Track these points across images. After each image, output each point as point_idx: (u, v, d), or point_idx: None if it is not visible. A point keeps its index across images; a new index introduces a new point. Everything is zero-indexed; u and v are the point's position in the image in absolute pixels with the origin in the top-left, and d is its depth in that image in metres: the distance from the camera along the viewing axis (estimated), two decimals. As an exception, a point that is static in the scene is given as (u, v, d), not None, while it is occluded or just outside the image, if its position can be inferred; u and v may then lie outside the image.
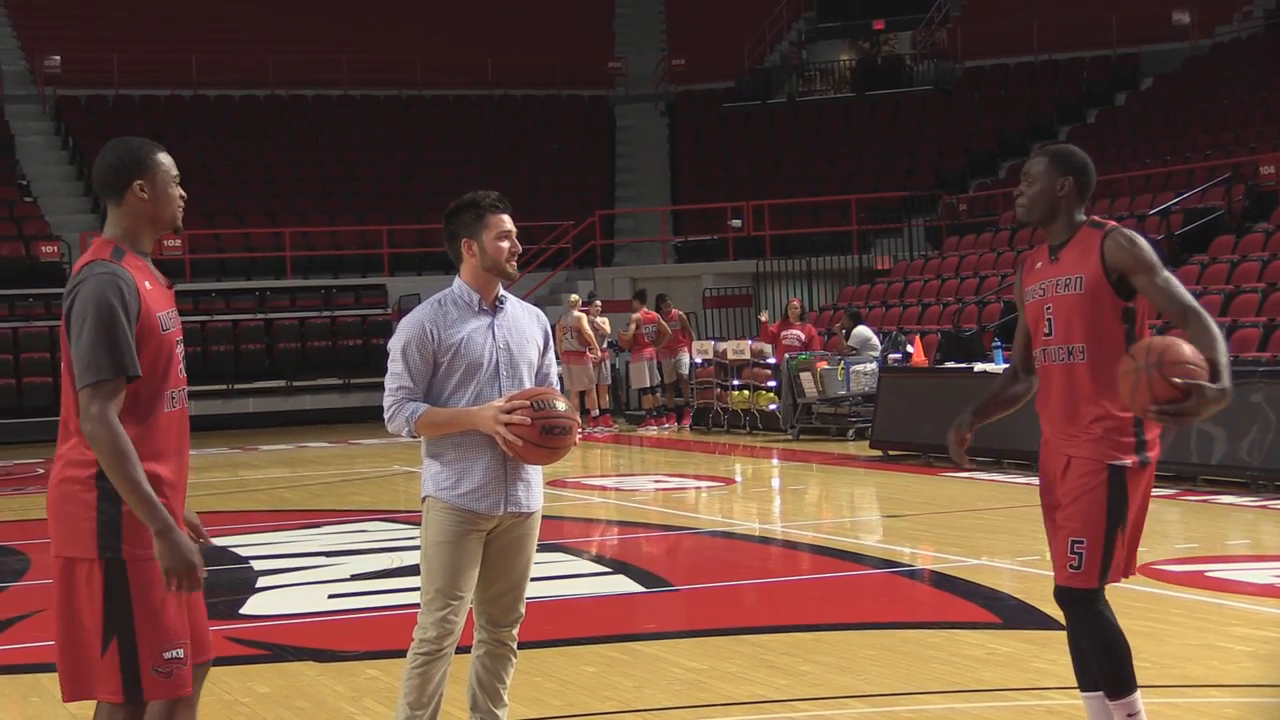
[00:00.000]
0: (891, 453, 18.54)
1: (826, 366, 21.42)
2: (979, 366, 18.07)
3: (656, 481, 17.64)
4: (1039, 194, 5.73)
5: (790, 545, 13.01)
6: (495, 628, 5.93)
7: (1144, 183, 26.54)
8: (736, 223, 31.06)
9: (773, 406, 22.59)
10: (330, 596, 10.68)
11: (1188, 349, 5.28)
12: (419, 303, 6.07)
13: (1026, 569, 10.55)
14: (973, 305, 23.98)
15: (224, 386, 28.15)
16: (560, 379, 6.34)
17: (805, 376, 21.60)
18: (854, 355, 21.65)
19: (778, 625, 9.43)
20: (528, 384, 5.86)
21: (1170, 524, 12.70)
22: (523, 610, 5.98)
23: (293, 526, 14.47)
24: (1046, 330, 5.71)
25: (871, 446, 19.11)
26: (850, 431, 20.90)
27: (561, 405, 5.72)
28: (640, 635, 9.24)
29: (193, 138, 33.70)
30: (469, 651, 6.00)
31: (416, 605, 5.90)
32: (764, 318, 25.65)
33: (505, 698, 5.98)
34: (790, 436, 21.66)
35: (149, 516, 4.59)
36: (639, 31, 41.54)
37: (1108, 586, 5.64)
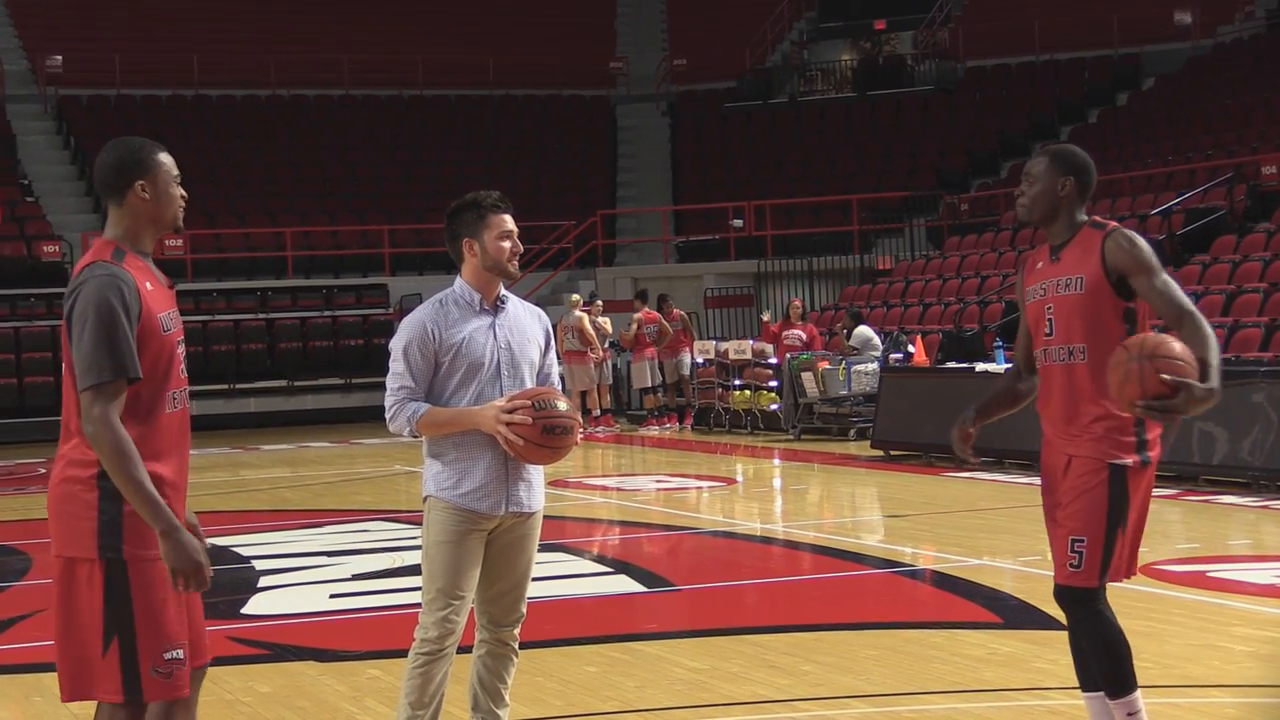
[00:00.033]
0: (893, 453, 18.54)
1: (828, 366, 21.41)
2: (980, 366, 18.07)
3: (658, 481, 17.64)
4: (1040, 194, 5.73)
5: (792, 545, 13.01)
6: (497, 627, 5.93)
7: (1146, 183, 26.54)
8: (738, 223, 31.06)
9: (774, 406, 22.59)
10: (332, 596, 10.69)
11: (1179, 346, 5.28)
12: (420, 302, 6.07)
13: (1028, 569, 10.55)
14: (974, 305, 23.98)
15: (225, 386, 28.15)
16: (562, 379, 6.33)
17: (807, 376, 21.60)
18: (855, 355, 21.65)
19: (779, 625, 9.44)
20: (529, 384, 5.86)
21: (1172, 524, 12.69)
22: (524, 610, 5.98)
23: (294, 526, 14.47)
24: (1047, 330, 5.71)
25: (873, 446, 19.10)
26: (851, 431, 20.90)
27: (563, 405, 5.72)
28: (642, 635, 9.24)
29: (194, 137, 33.70)
30: (470, 651, 6.00)
31: (418, 605, 5.90)
32: (766, 318, 25.65)
33: (507, 698, 5.98)
34: (791, 436, 21.66)
35: (153, 517, 4.59)
36: (640, 31, 41.54)
37: (1109, 586, 5.64)
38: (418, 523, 6.12)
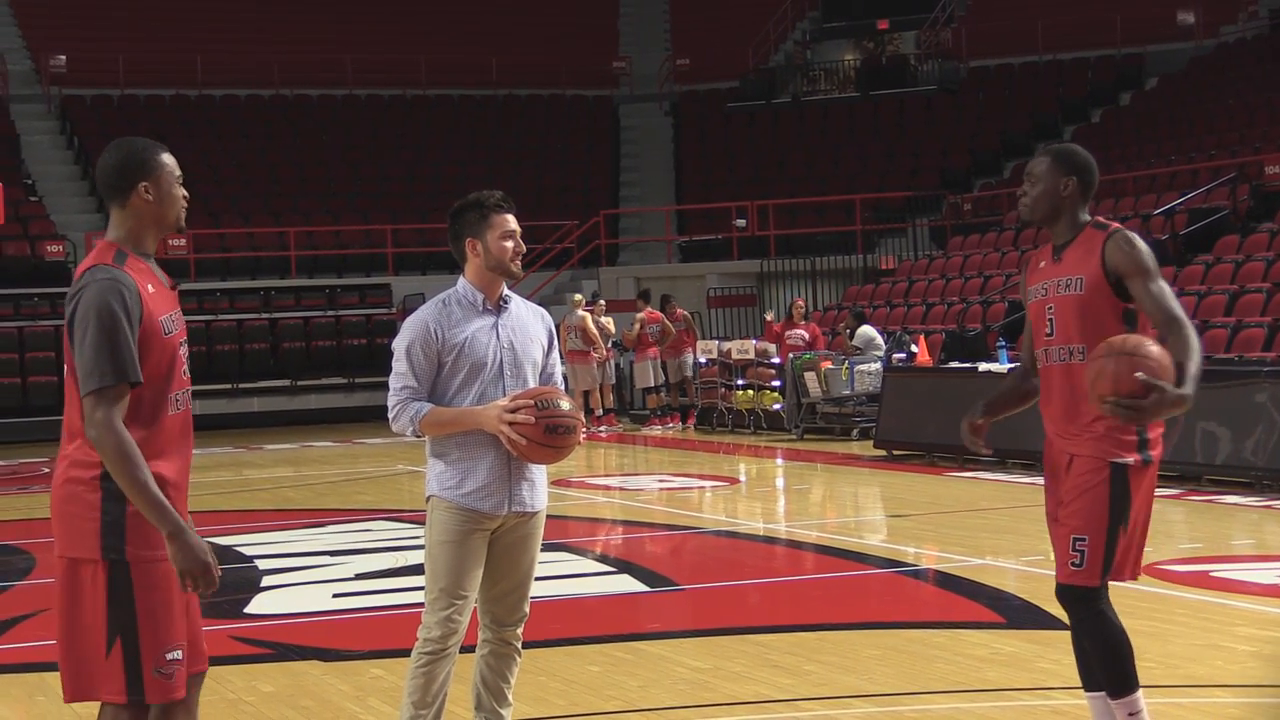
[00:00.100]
0: (896, 452, 18.54)
1: (831, 366, 21.42)
2: (983, 366, 18.07)
3: (661, 481, 17.64)
4: (1042, 194, 5.73)
5: (794, 545, 13.02)
6: (500, 627, 5.93)
7: (1149, 182, 26.54)
8: (741, 222, 31.06)
9: (777, 406, 22.59)
10: (335, 596, 10.69)
11: (1156, 349, 5.28)
12: (423, 302, 6.07)
13: (1031, 569, 10.55)
14: (977, 305, 23.97)
15: (228, 386, 28.18)
16: (565, 378, 6.33)
17: (809, 376, 21.60)
18: (858, 355, 21.66)
19: (782, 625, 9.44)
20: (532, 384, 5.87)
21: (1175, 524, 12.69)
22: (527, 610, 5.98)
23: (297, 526, 14.48)
24: (1048, 330, 5.71)
25: (875, 446, 19.11)
26: (854, 431, 20.90)
27: (566, 404, 5.72)
28: (644, 635, 9.24)
29: (197, 137, 33.73)
30: (473, 651, 6.01)
31: (421, 605, 5.90)
32: (769, 317, 25.65)
33: (510, 697, 5.98)
34: (794, 436, 21.66)
35: (159, 519, 4.59)
36: (643, 31, 41.54)
37: (1112, 586, 5.64)
38: (421, 522, 6.13)
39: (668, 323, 24.35)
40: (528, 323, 5.95)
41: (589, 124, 38.21)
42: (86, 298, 4.66)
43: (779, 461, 19.80)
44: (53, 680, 7.56)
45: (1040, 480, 6.01)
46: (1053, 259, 5.76)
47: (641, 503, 15.86)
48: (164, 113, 35.00)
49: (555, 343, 6.08)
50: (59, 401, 4.88)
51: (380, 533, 13.84)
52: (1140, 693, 5.62)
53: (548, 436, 5.65)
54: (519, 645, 5.99)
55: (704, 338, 25.82)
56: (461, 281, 5.92)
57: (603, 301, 25.77)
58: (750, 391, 23.06)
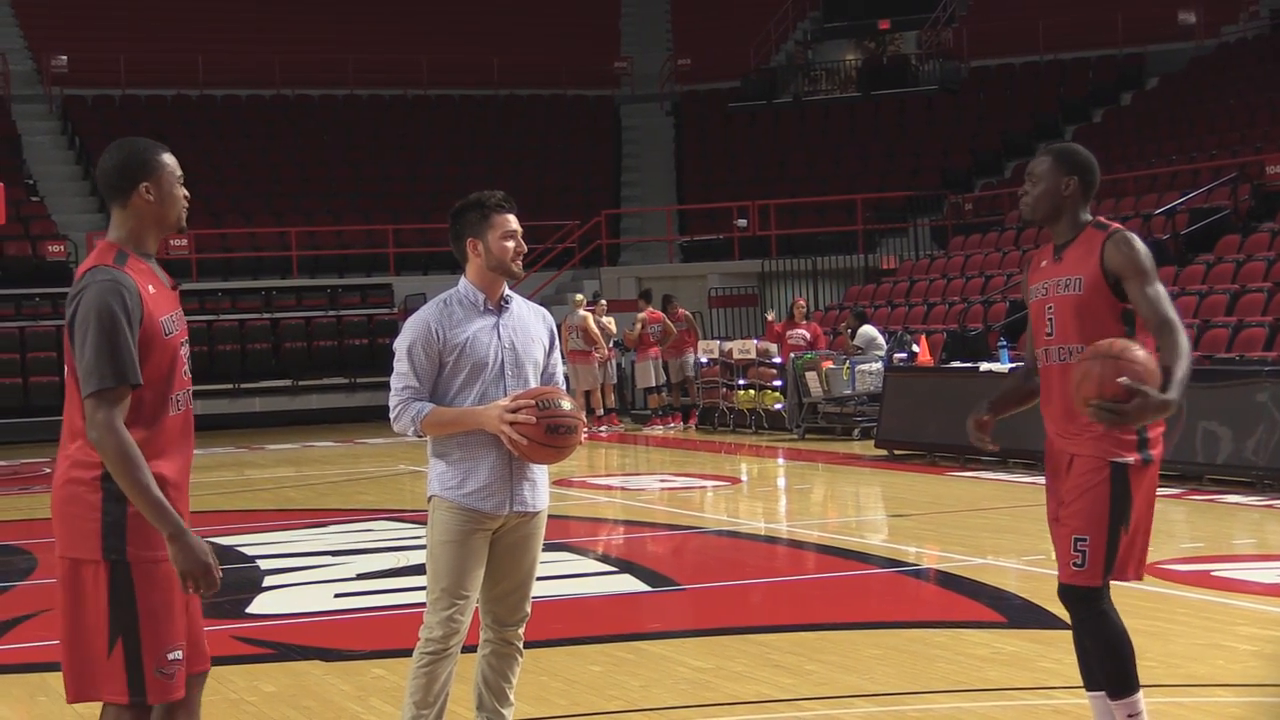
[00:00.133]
0: (897, 452, 18.55)
1: (832, 366, 21.42)
2: (984, 366, 18.07)
3: (662, 481, 17.64)
4: (1043, 193, 5.72)
5: (796, 545, 13.02)
6: (501, 627, 5.94)
7: (1150, 182, 26.54)
8: (742, 222, 31.06)
9: (778, 406, 22.60)
10: (336, 596, 10.70)
11: (1142, 353, 5.28)
12: (425, 302, 6.07)
13: (1032, 568, 10.55)
14: (978, 305, 23.97)
15: (230, 386, 28.19)
16: (566, 378, 6.33)
17: (810, 376, 21.61)
18: (859, 355, 21.66)
19: (783, 625, 9.44)
20: (533, 384, 5.87)
21: (1176, 523, 12.69)
22: (528, 609, 5.98)
23: (299, 526, 14.48)
24: (1048, 330, 5.71)
25: (877, 446, 19.11)
26: (855, 431, 20.90)
27: (567, 404, 5.72)
28: (646, 634, 9.25)
29: (199, 138, 33.74)
30: (475, 651, 6.01)
31: (422, 605, 5.90)
32: (770, 317, 25.66)
33: (511, 697, 5.98)
34: (795, 436, 21.66)
35: (159, 520, 4.59)
36: (644, 31, 41.54)
37: (1113, 585, 5.64)
38: (422, 522, 6.13)
39: (669, 322, 24.36)
40: (529, 323, 5.96)
41: (590, 124, 38.21)
42: (87, 299, 4.67)
43: (780, 461, 19.80)
44: (54, 680, 7.57)
45: (1041, 480, 6.01)
46: (1053, 258, 5.76)
47: (643, 502, 15.86)
48: (165, 113, 35.01)
49: (557, 343, 6.08)
50: (60, 402, 4.87)
51: (382, 533, 13.84)
52: (1140, 694, 5.62)
53: (549, 436, 5.65)
54: (521, 645, 5.99)
55: (705, 337, 25.82)
56: (463, 281, 5.93)
57: (604, 301, 25.77)
58: (751, 391, 23.07)
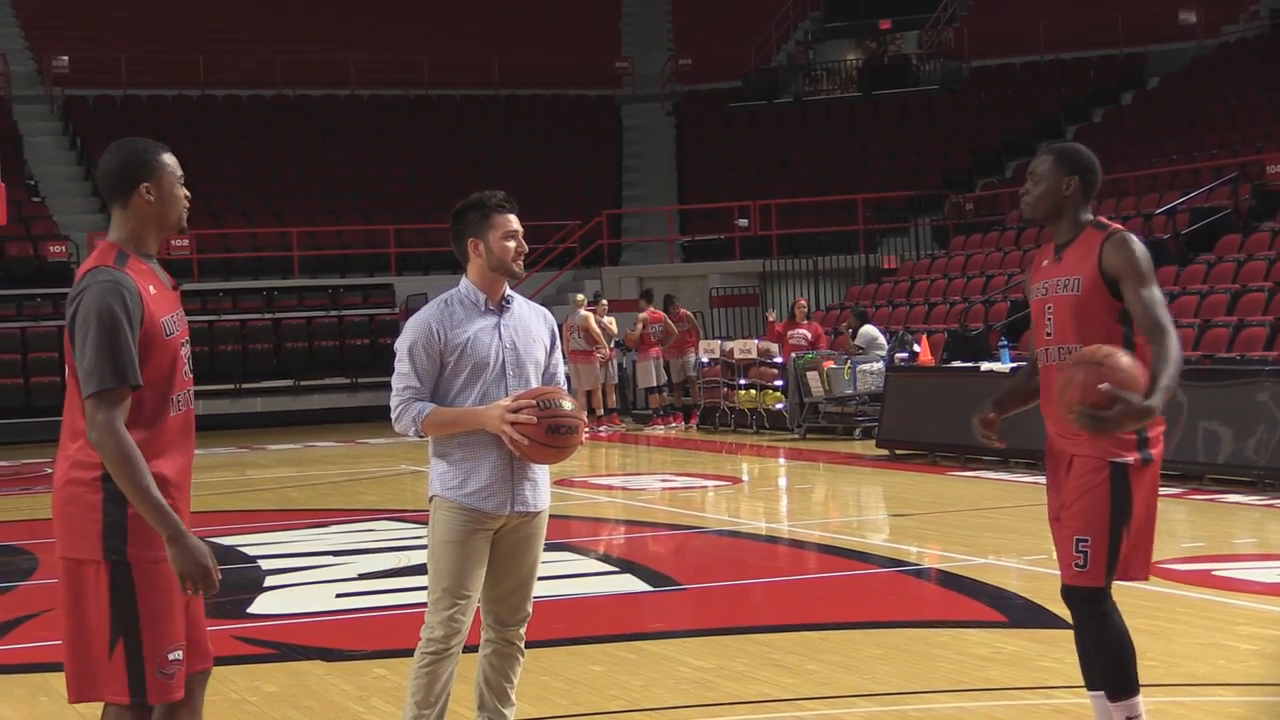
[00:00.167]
0: (898, 452, 18.55)
1: (833, 366, 21.43)
2: (985, 366, 18.07)
3: (663, 481, 17.65)
4: (1044, 193, 5.72)
5: (797, 544, 13.02)
6: (503, 627, 5.94)
7: (1150, 182, 26.54)
8: (743, 222, 31.06)
9: (779, 406, 22.60)
10: (338, 596, 10.70)
11: (1126, 360, 5.28)
12: (426, 302, 6.08)
13: (1033, 568, 10.56)
14: (979, 305, 23.97)
15: (231, 386, 28.19)
16: (567, 378, 6.33)
17: (812, 376, 21.61)
18: (860, 354, 21.66)
19: (784, 624, 9.44)
20: (534, 384, 5.87)
21: (1177, 523, 12.69)
22: (530, 609, 5.99)
23: (300, 526, 14.48)
24: (1048, 330, 5.71)
25: (878, 446, 19.11)
26: (857, 431, 20.91)
27: (568, 404, 5.72)
28: (647, 634, 9.25)
29: (200, 138, 33.75)
30: (476, 650, 6.02)
31: (424, 605, 5.90)
32: (771, 317, 25.66)
33: (513, 697, 5.99)
34: (797, 436, 21.66)
35: (159, 522, 4.60)
36: (645, 31, 41.55)
37: (1116, 585, 5.63)
38: (423, 522, 6.14)
39: (670, 322, 24.37)
40: (530, 323, 5.96)
41: (591, 124, 38.22)
42: (87, 300, 4.67)
43: (781, 461, 19.80)
44: (55, 680, 7.58)
45: (1042, 479, 6.01)
46: (1054, 258, 5.75)
47: (644, 502, 15.87)
48: (166, 113, 35.03)
49: (558, 342, 6.08)
50: (62, 402, 4.88)
51: (383, 533, 13.84)
52: (1140, 697, 5.60)
53: (550, 436, 5.65)
54: (522, 645, 5.99)
55: (706, 337, 25.82)
56: (464, 282, 5.93)
57: (605, 301, 25.78)
58: (753, 391, 23.07)
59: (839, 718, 7.16)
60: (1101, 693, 5.66)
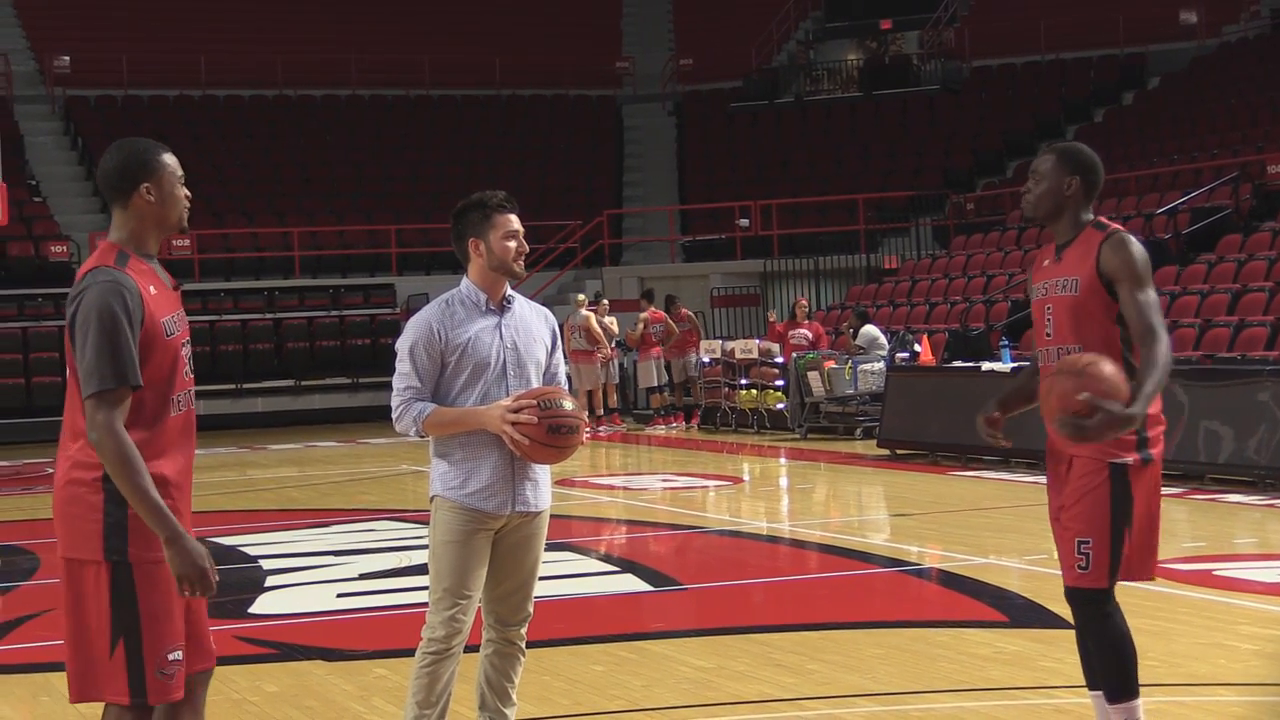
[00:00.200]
0: (899, 452, 18.55)
1: (834, 365, 21.43)
2: (986, 366, 18.06)
3: (664, 480, 17.65)
4: (1046, 192, 5.71)
5: (798, 544, 13.02)
6: (504, 627, 5.94)
7: (1151, 182, 26.54)
8: (744, 222, 31.06)
9: (780, 406, 22.60)
10: (339, 596, 10.69)
11: (1109, 368, 5.27)
12: (427, 302, 6.08)
13: (1034, 568, 10.56)
14: (980, 304, 23.97)
15: (232, 386, 28.20)
16: (568, 378, 6.33)
17: (813, 376, 21.61)
18: (861, 354, 21.66)
19: (785, 624, 9.44)
20: (535, 384, 5.87)
21: (1178, 523, 12.69)
22: (531, 609, 5.99)
23: (301, 526, 14.48)
24: (1047, 330, 5.71)
25: (879, 445, 19.11)
26: (858, 430, 20.91)
27: (569, 404, 5.72)
28: (648, 634, 9.25)
29: (201, 138, 33.77)
30: (477, 650, 6.02)
31: (425, 604, 5.91)
32: (772, 317, 25.66)
33: (514, 696, 5.99)
34: (798, 435, 21.67)
35: (157, 524, 4.60)
36: (646, 31, 41.55)
37: (1117, 585, 5.63)
38: (424, 522, 6.14)
39: (671, 322, 24.38)
40: (531, 323, 5.96)
41: (592, 124, 38.22)
42: (87, 300, 4.67)
43: (782, 461, 19.81)
44: (57, 680, 7.58)
45: (1043, 479, 6.01)
46: (1054, 258, 5.75)
47: (645, 502, 15.87)
48: (167, 113, 35.04)
49: (559, 342, 6.08)
50: (63, 402, 4.88)
51: (384, 533, 13.84)
52: (1140, 701, 5.58)
53: (550, 436, 5.65)
54: (523, 645, 5.99)
55: (707, 337, 25.83)
56: (465, 282, 5.93)
57: (606, 301, 25.79)
58: (754, 391, 23.08)
59: (840, 717, 7.16)
60: (1101, 693, 5.66)
